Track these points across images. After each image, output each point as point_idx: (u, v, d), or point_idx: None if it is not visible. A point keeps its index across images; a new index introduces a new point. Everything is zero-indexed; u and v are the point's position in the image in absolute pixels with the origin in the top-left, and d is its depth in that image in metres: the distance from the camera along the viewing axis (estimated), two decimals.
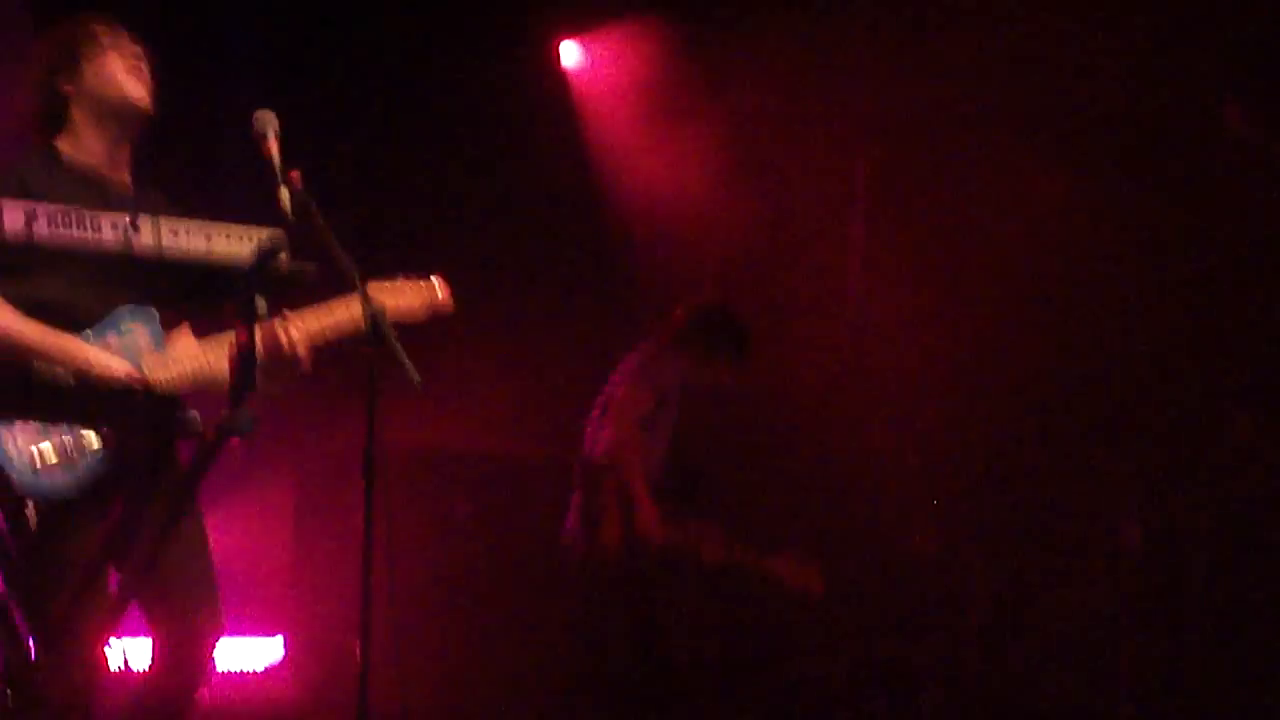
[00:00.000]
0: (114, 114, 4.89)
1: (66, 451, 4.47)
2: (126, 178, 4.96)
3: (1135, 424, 8.62)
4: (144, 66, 4.91)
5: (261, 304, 4.12)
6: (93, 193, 4.74)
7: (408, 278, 5.24)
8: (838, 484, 9.24)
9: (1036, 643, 8.78)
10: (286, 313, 4.80)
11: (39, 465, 4.45)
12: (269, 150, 4.61)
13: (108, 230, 3.84)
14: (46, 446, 4.46)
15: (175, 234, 3.92)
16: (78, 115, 4.88)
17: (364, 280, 4.65)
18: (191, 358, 4.75)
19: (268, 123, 4.65)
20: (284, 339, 4.76)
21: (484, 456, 9.19)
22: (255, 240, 4.00)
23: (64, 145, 4.89)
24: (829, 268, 9.40)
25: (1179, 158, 8.54)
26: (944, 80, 8.92)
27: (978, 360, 8.90)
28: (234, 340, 4.10)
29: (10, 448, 4.43)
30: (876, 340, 9.17)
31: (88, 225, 3.81)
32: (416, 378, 4.49)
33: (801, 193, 9.46)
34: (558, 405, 9.06)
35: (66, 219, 3.79)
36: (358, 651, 4.81)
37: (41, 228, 3.74)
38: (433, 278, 5.31)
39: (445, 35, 9.35)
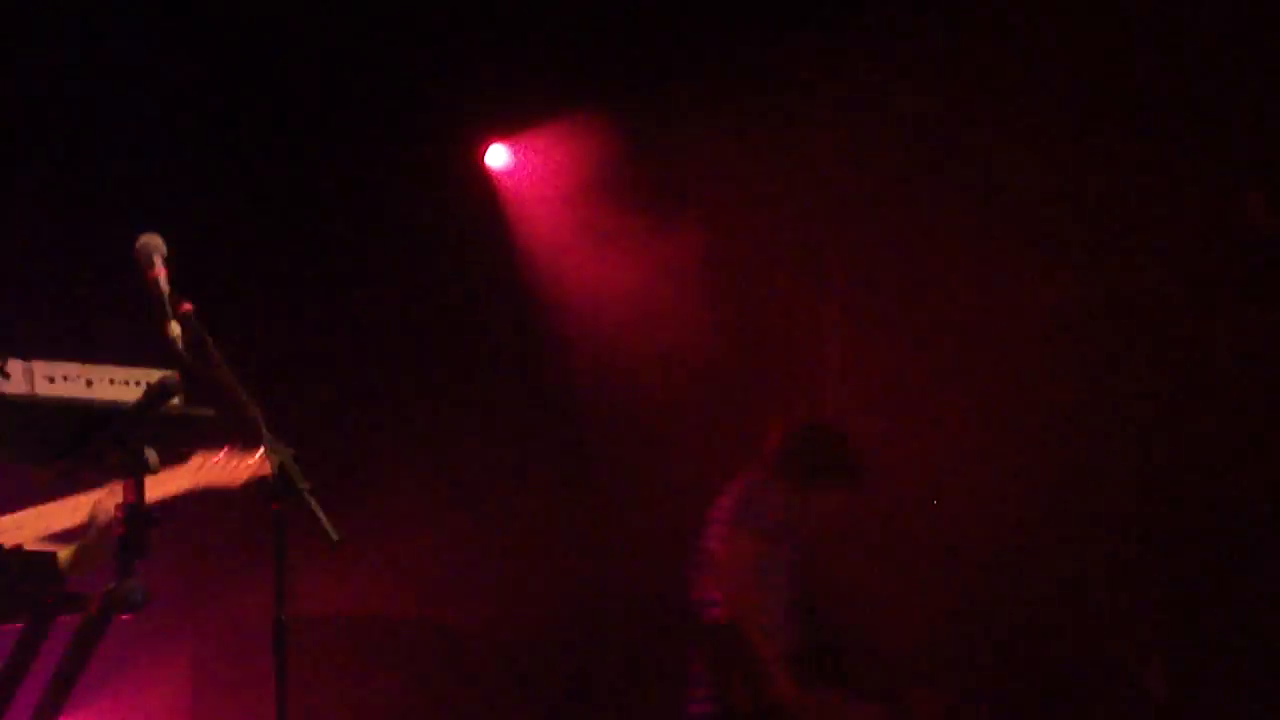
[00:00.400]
0: None
1: None
2: None
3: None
4: None
5: (152, 455, 4.09)
6: None
7: (234, 449, 5.27)
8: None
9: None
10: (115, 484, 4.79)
11: None
12: (155, 279, 4.58)
13: None
14: None
15: (51, 379, 3.89)
16: None
17: (269, 425, 4.63)
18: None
19: (153, 248, 4.62)
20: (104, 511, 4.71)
21: (411, 623, 9.15)
22: (144, 383, 3.97)
23: None
24: (798, 376, 9.49)
25: (1179, 247, 8.75)
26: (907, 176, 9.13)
27: (962, 468, 8.97)
28: (104, 500, 4.10)
29: None
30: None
31: None
32: (335, 534, 4.46)
33: (764, 293, 9.54)
34: (496, 560, 9.05)
35: None
36: None
37: None
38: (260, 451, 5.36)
39: (369, 142, 9.43)
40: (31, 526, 4.83)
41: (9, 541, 4.62)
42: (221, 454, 5.22)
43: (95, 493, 4.79)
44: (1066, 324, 8.97)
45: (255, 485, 4.72)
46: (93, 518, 4.74)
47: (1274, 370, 8.59)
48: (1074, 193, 8.96)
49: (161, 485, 4.95)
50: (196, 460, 5.16)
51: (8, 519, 4.83)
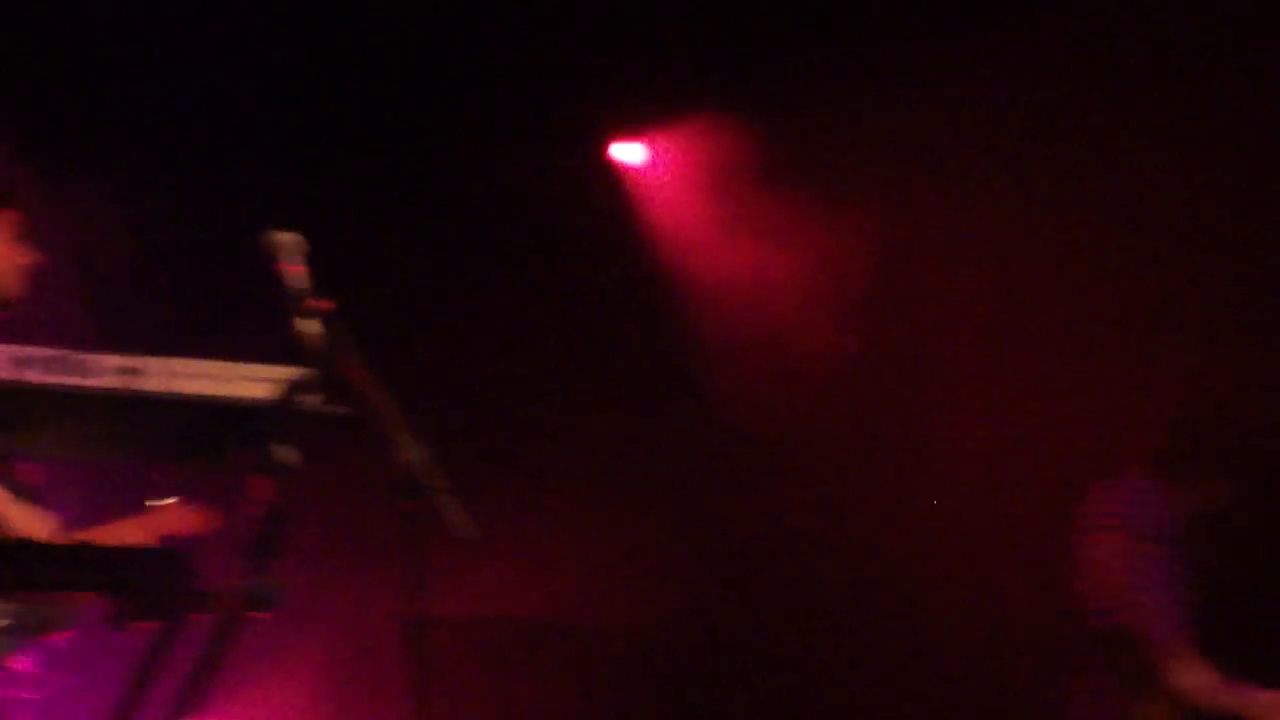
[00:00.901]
0: None
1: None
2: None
3: None
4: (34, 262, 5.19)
5: (287, 453, 4.07)
6: None
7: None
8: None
9: None
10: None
11: None
12: (290, 273, 4.59)
13: (107, 374, 3.81)
14: None
15: (186, 377, 3.88)
16: None
17: (408, 428, 4.61)
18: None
19: (282, 245, 4.62)
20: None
21: (545, 624, 9.15)
22: (279, 382, 3.97)
23: None
24: (934, 375, 9.43)
25: None
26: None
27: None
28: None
29: None
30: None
31: (82, 369, 3.79)
32: (470, 531, 4.44)
33: (906, 288, 9.49)
34: (631, 560, 9.03)
35: (54, 363, 3.75)
36: None
37: (34, 372, 3.74)
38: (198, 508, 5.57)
39: (502, 141, 9.45)
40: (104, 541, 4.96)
41: None
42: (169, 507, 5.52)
43: (157, 515, 4.93)
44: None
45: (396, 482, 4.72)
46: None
47: None
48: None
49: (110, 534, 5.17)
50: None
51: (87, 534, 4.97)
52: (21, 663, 7.53)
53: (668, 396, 9.75)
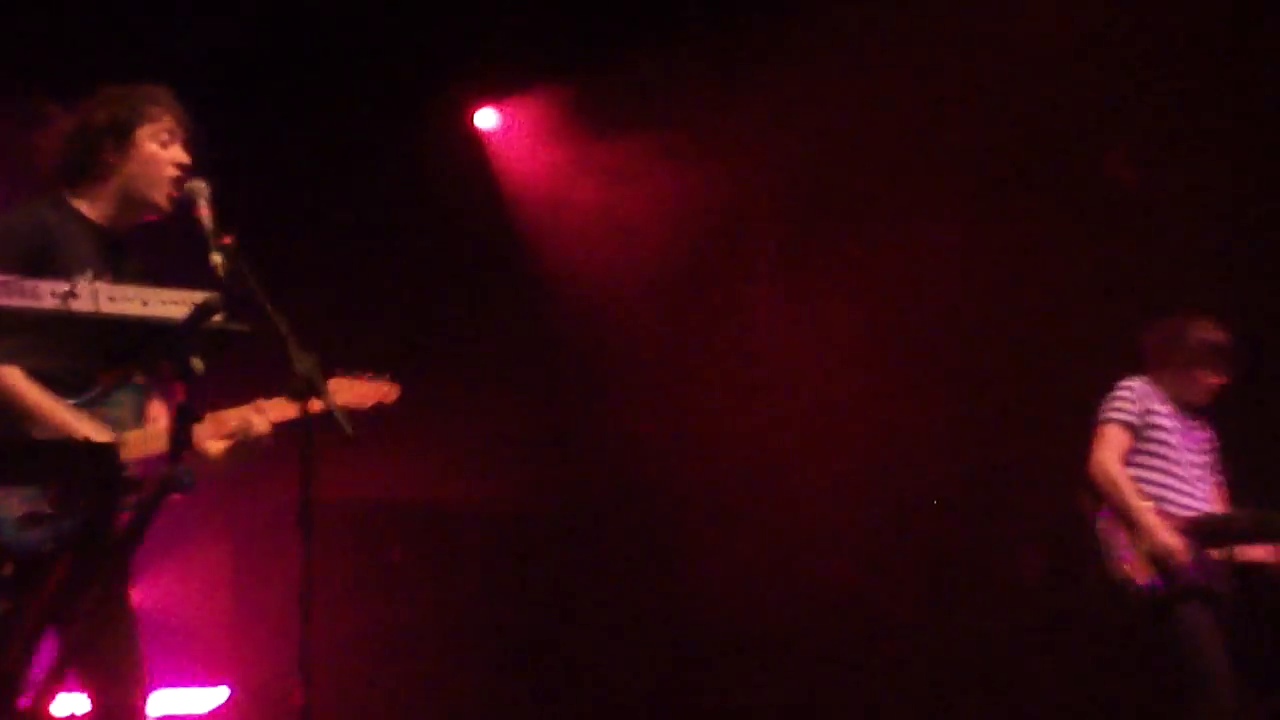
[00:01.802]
0: (138, 204, 4.92)
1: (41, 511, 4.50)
2: (119, 239, 4.96)
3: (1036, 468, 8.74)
4: (183, 168, 4.89)
5: (197, 363, 4.09)
6: (101, 250, 4.81)
7: (362, 376, 5.39)
8: (769, 520, 9.31)
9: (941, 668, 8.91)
10: (259, 401, 4.93)
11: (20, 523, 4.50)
12: (201, 215, 4.64)
13: (46, 297, 3.79)
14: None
15: (113, 299, 3.87)
16: (105, 185, 4.90)
17: (297, 340, 4.65)
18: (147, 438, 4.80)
19: (198, 191, 4.69)
20: (256, 422, 4.90)
21: (418, 506, 9.17)
22: (191, 303, 3.95)
23: (77, 200, 4.89)
24: (733, 319, 9.46)
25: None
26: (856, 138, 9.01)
27: (891, 403, 8.99)
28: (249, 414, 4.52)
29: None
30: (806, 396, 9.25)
31: (27, 293, 3.77)
32: (350, 429, 4.50)
33: (705, 246, 9.48)
34: (488, 452, 9.08)
35: (6, 287, 3.75)
36: (300, 695, 4.75)
37: None
38: (385, 379, 5.45)
39: (369, 106, 9.28)
40: (209, 427, 4.90)
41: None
42: (354, 380, 5.35)
43: (244, 409, 4.91)
44: None
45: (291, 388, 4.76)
46: (242, 427, 4.89)
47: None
48: None
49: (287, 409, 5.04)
50: (334, 383, 5.20)
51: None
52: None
53: (525, 318, 9.70)
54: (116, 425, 4.71)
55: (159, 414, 4.95)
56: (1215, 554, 6.57)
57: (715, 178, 9.35)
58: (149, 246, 5.11)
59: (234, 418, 4.92)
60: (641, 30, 9.06)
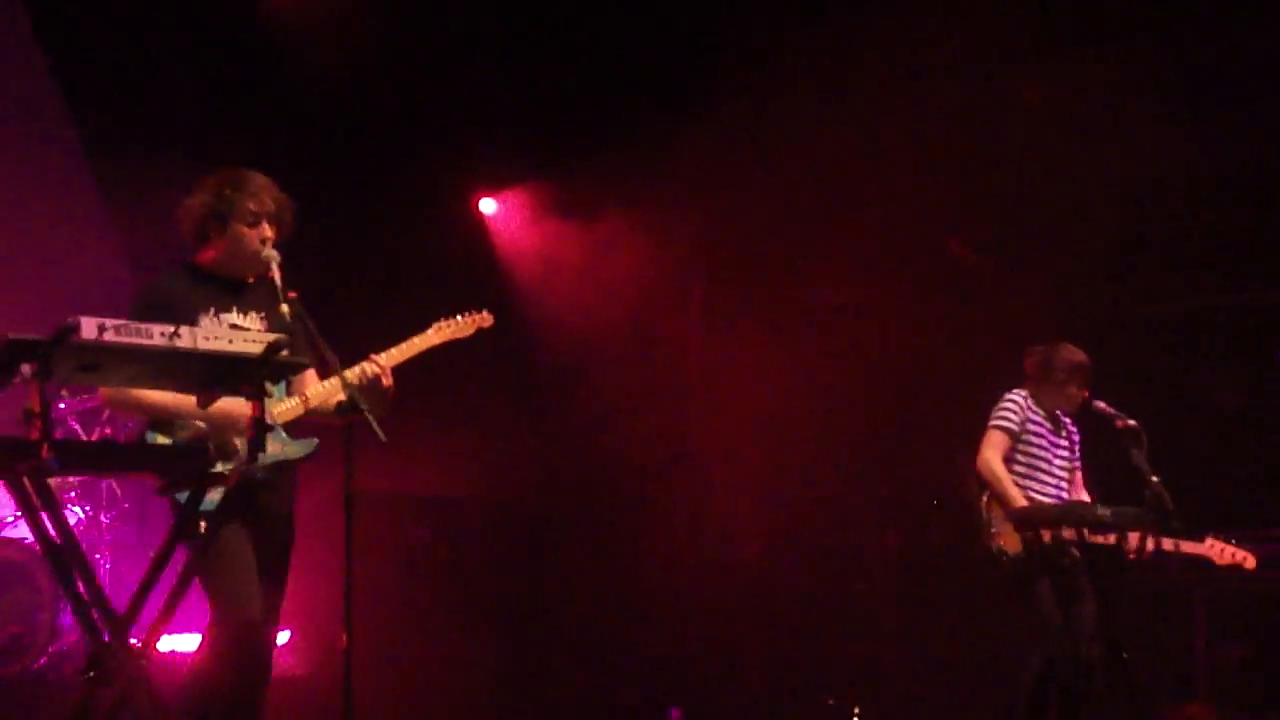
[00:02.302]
0: (240, 269, 4.90)
1: None
2: (251, 279, 4.93)
3: (897, 466, 8.81)
4: (271, 239, 4.84)
5: (270, 387, 4.16)
6: (230, 293, 4.81)
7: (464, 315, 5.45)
8: (687, 506, 9.33)
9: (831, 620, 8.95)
10: (372, 355, 4.92)
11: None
12: (275, 277, 4.73)
13: (156, 337, 3.85)
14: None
15: (207, 339, 3.93)
16: (214, 250, 4.89)
17: (341, 369, 4.72)
18: (308, 396, 4.84)
19: (272, 259, 4.77)
20: (374, 368, 4.88)
21: (436, 498, 9.15)
22: (264, 342, 4.01)
23: (204, 260, 4.89)
24: (674, 352, 9.46)
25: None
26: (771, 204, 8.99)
27: (793, 418, 9.03)
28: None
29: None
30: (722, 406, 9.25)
31: (142, 334, 3.83)
32: (383, 437, 4.58)
33: (653, 297, 9.47)
34: (487, 455, 9.02)
35: (126, 330, 3.81)
36: (344, 639, 4.81)
37: (110, 335, 3.76)
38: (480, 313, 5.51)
39: (387, 194, 9.22)
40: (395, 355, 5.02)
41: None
42: (451, 320, 5.39)
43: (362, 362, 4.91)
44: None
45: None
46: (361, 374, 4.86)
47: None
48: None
49: (414, 347, 5.16)
50: (435, 326, 5.31)
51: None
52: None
53: (519, 354, 9.54)
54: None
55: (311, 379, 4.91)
56: (1067, 534, 6.43)
57: (661, 247, 9.33)
58: None
59: (353, 371, 4.86)
60: (601, 137, 9.08)
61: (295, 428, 4.84)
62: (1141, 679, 6.78)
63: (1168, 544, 6.49)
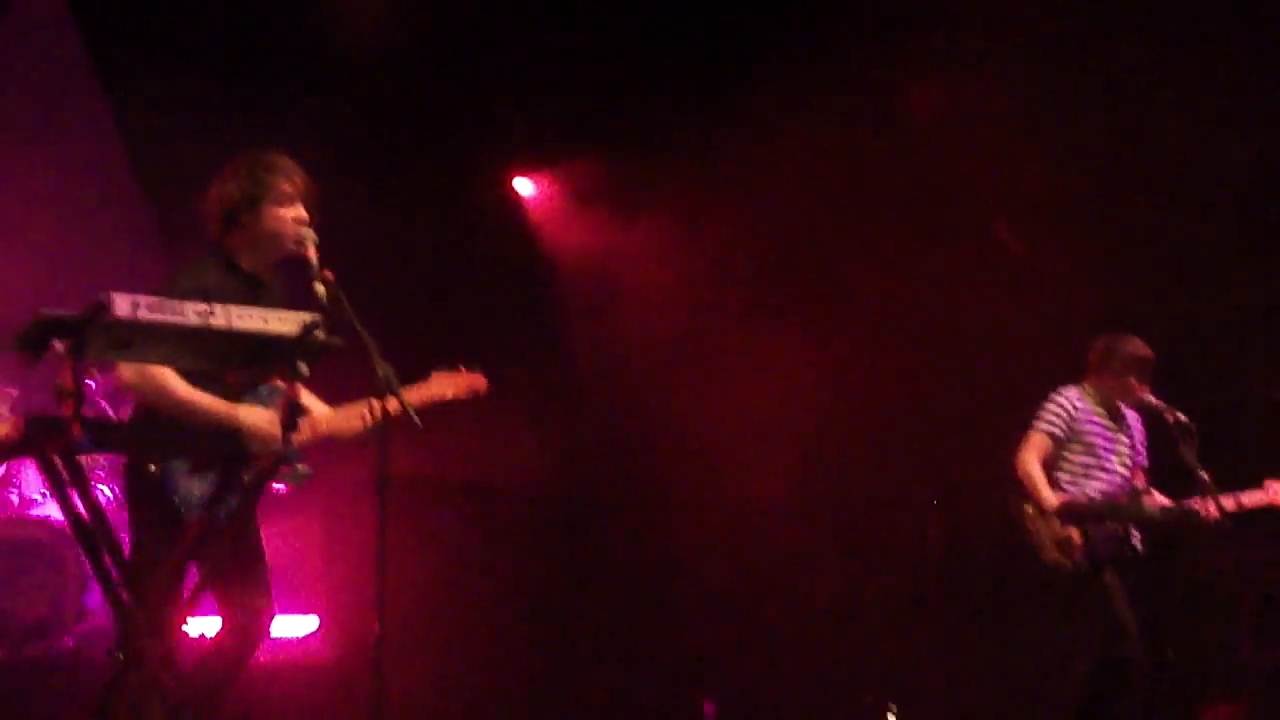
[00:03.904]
0: (270, 250, 4.87)
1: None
2: (270, 276, 4.93)
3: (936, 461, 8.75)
4: (307, 222, 4.82)
5: (303, 367, 4.14)
6: (251, 290, 4.77)
7: (456, 370, 5.31)
8: (721, 500, 9.31)
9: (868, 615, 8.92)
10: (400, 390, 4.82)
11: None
12: (309, 256, 4.70)
13: (191, 315, 3.85)
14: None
15: (241, 318, 3.93)
16: (246, 237, 4.85)
17: (379, 351, 4.69)
18: (324, 419, 4.89)
19: (307, 238, 4.75)
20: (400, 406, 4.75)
21: (471, 484, 9.14)
22: (299, 321, 4.01)
23: (232, 247, 4.86)
24: (709, 347, 9.42)
25: None
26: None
27: (823, 409, 9.01)
28: (284, 395, 4.23)
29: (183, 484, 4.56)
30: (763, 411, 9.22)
31: (177, 311, 3.82)
32: (418, 421, 4.56)
33: (686, 292, 9.43)
34: (518, 444, 9.00)
35: (161, 307, 3.80)
36: (375, 625, 4.80)
37: (144, 313, 3.75)
38: (475, 373, 5.37)
39: (441, 175, 9.20)
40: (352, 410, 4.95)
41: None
42: (454, 374, 5.29)
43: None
44: None
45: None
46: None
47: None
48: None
49: (419, 394, 5.07)
50: (436, 377, 5.23)
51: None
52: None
53: (550, 338, 9.63)
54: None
55: (313, 402, 4.93)
56: (1110, 529, 6.39)
57: (695, 243, 9.32)
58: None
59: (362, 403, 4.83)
60: (637, 126, 9.08)
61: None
62: (1183, 679, 6.74)
63: (1229, 502, 6.41)
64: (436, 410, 5.11)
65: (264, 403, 4.76)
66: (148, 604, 3.99)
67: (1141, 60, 7.95)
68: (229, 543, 4.55)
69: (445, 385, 5.22)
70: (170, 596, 4.14)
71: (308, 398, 4.89)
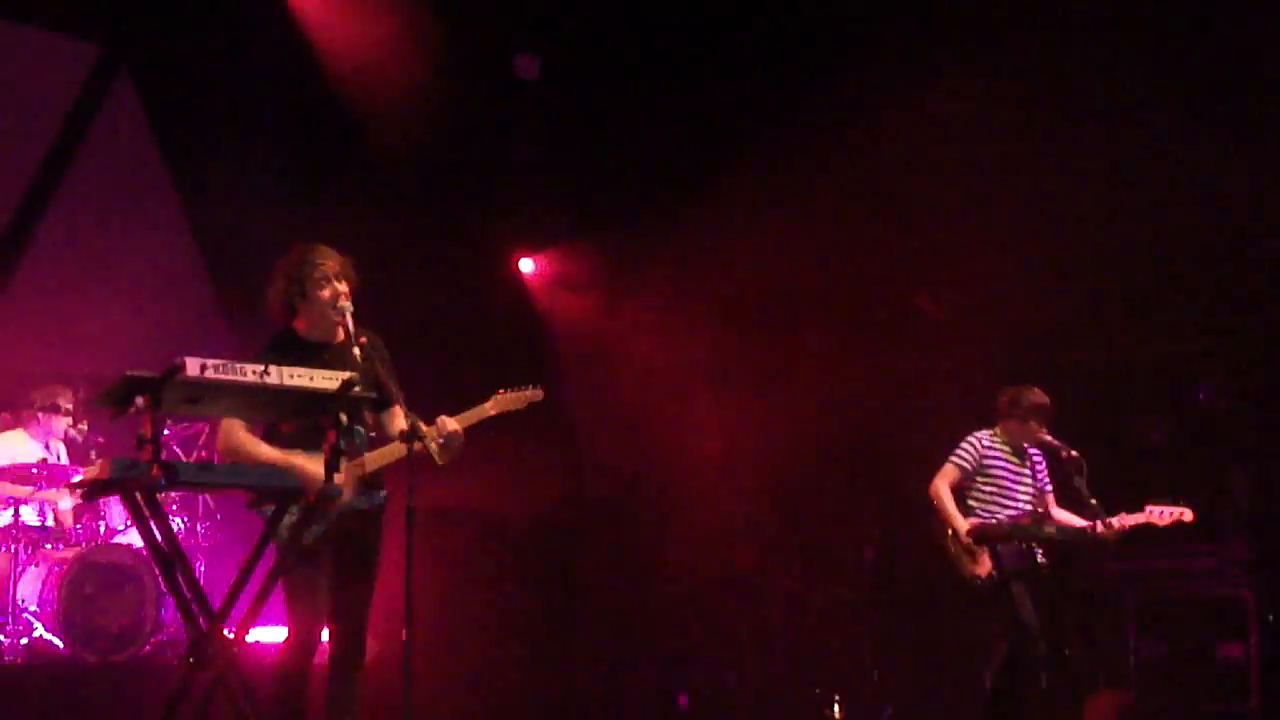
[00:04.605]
0: (325, 324, 4.82)
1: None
2: (337, 339, 4.86)
3: (873, 489, 8.76)
4: (346, 295, 4.78)
5: (343, 417, 4.16)
6: (317, 358, 4.68)
7: (517, 388, 5.31)
8: (694, 523, 9.26)
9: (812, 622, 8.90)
10: (443, 417, 4.82)
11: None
12: (348, 325, 4.73)
13: (249, 374, 3.90)
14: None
15: (292, 377, 3.97)
16: (304, 316, 4.84)
17: (405, 402, 4.71)
18: (369, 458, 4.80)
19: (345, 310, 4.78)
20: (449, 426, 4.77)
21: (479, 513, 9.04)
22: (339, 379, 4.04)
23: (295, 327, 4.85)
24: (682, 396, 9.37)
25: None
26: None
27: (779, 449, 8.99)
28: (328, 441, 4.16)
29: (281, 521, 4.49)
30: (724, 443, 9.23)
31: (238, 372, 3.86)
32: (441, 461, 4.58)
33: (661, 351, 9.36)
34: (523, 477, 8.92)
35: (224, 368, 3.84)
36: (404, 632, 4.79)
37: (210, 373, 3.80)
38: (535, 388, 5.38)
39: (454, 252, 9.11)
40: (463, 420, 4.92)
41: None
42: (508, 392, 5.27)
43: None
44: None
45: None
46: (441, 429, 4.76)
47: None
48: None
49: (478, 414, 5.07)
50: (493, 399, 5.20)
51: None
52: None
53: (551, 397, 9.49)
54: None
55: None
56: (1016, 546, 6.36)
57: (671, 308, 9.28)
58: None
59: (433, 429, 4.78)
60: (620, 213, 9.08)
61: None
62: (1080, 671, 6.76)
63: (1116, 522, 6.36)
64: (484, 424, 5.06)
65: (359, 445, 4.74)
66: (214, 616, 3.99)
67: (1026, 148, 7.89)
68: (349, 561, 4.63)
69: (500, 402, 5.20)
70: (230, 609, 4.13)
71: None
